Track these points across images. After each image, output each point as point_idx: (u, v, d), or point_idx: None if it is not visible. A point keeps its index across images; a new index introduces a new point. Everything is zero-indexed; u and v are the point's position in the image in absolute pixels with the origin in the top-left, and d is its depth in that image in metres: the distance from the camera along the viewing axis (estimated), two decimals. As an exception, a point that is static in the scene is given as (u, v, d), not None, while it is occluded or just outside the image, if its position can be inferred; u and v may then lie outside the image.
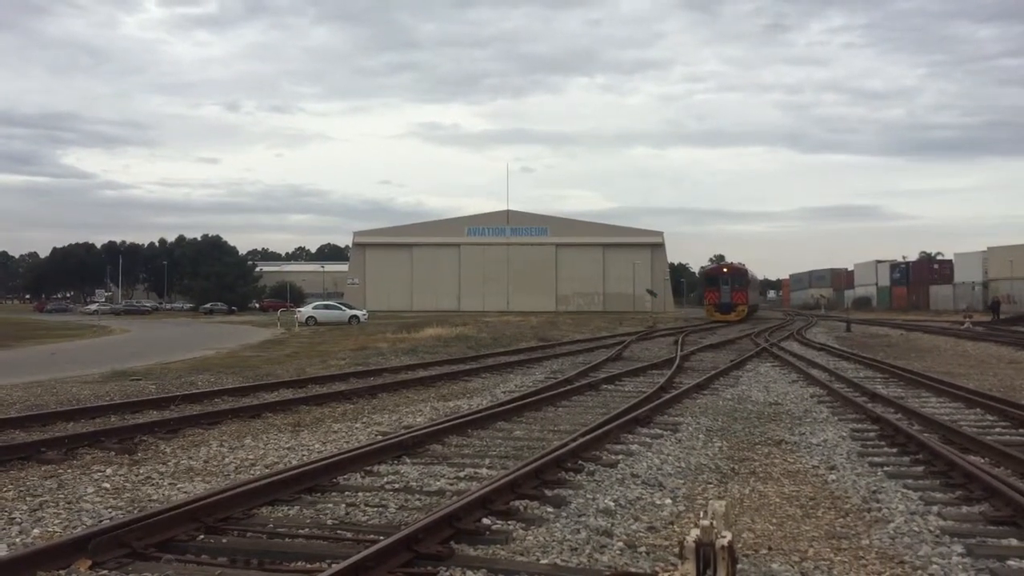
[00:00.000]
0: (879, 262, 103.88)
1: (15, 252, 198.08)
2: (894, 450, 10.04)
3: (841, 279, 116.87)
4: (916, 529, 6.71)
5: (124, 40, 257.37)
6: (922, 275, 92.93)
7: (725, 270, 62.97)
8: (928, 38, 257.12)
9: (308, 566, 5.74)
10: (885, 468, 9.04)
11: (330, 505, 7.42)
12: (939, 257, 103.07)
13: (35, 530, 6.68)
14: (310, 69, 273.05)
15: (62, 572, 5.55)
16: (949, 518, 7.04)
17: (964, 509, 7.33)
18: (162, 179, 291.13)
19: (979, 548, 6.19)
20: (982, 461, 9.06)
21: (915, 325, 48.56)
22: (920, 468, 8.96)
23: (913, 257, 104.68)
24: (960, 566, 5.87)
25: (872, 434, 11.20)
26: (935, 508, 7.32)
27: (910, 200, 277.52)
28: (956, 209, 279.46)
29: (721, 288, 59.99)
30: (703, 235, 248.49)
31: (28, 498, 7.70)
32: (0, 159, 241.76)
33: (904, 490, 8.00)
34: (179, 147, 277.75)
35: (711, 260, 68.91)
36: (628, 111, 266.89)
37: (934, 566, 5.86)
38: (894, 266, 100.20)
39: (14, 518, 7.01)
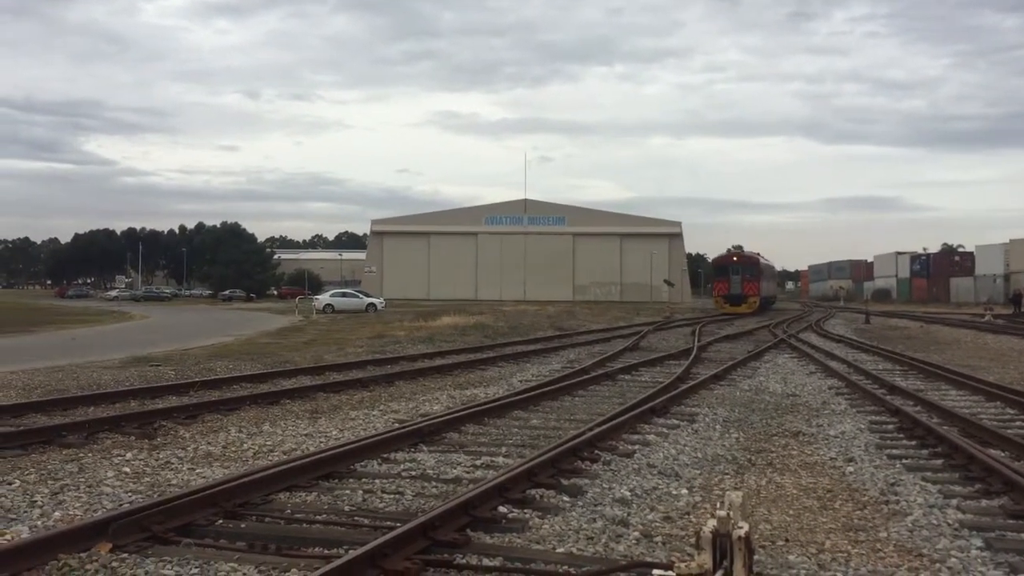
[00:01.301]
0: (899, 254, 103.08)
1: (37, 238, 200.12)
2: (913, 443, 9.98)
3: (861, 271, 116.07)
4: (935, 522, 6.67)
5: (145, 27, 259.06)
6: (942, 267, 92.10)
7: (735, 259, 58.94)
8: (952, 28, 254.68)
9: (326, 551, 5.77)
10: (904, 461, 8.99)
11: (347, 491, 7.46)
12: (960, 249, 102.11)
13: (56, 513, 6.75)
14: (329, 57, 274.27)
15: (83, 555, 5.60)
16: (968, 511, 6.99)
17: (983, 503, 7.27)
18: (182, 166, 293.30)
19: (998, 542, 6.15)
20: (1002, 455, 8.99)
21: (935, 317, 48.22)
22: (939, 461, 8.90)
23: (934, 249, 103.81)
24: (979, 560, 5.84)
25: (891, 427, 11.14)
26: (954, 501, 7.28)
27: (931, 191, 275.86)
28: (978, 201, 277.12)
29: (731, 278, 56.22)
30: (722, 226, 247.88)
31: (50, 481, 7.78)
32: (23, 146, 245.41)
33: (923, 483, 7.95)
34: (199, 134, 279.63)
35: (729, 251, 65.59)
36: (647, 101, 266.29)
37: (953, 559, 5.83)
38: (914, 258, 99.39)
39: (36, 501, 7.08)
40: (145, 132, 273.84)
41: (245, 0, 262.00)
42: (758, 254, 63.15)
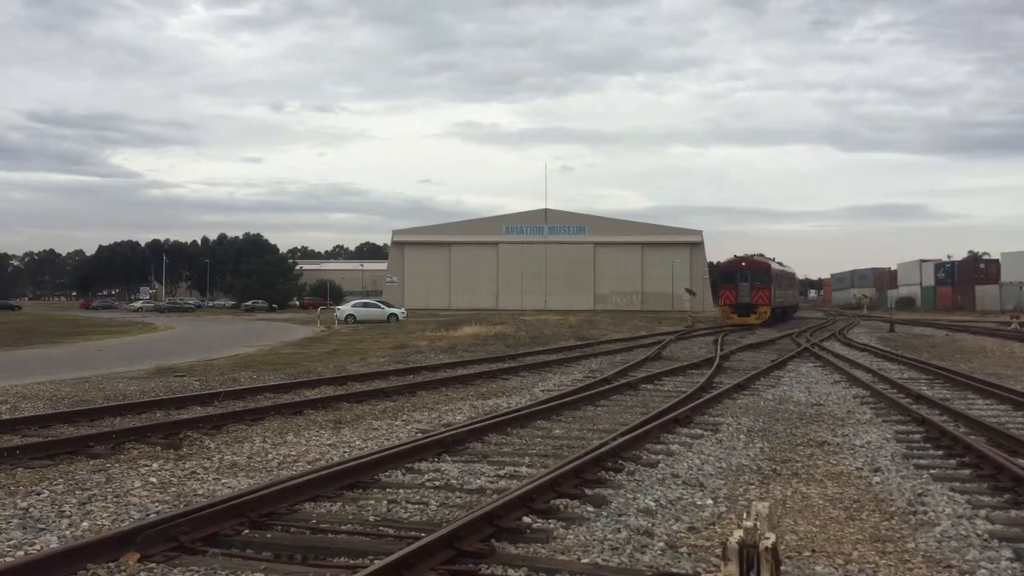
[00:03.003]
0: (923, 261, 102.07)
1: (62, 250, 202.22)
2: (940, 452, 9.89)
3: (884, 279, 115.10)
4: (963, 533, 6.60)
5: (170, 42, 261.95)
6: (967, 275, 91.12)
7: (743, 264, 52.24)
8: (979, 34, 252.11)
9: (351, 562, 5.80)
10: (931, 471, 8.90)
11: (372, 502, 7.48)
12: (985, 256, 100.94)
13: (84, 523, 6.82)
14: (351, 69, 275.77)
15: (112, 564, 5.65)
16: (998, 522, 6.92)
17: (1013, 513, 7.19)
18: (207, 178, 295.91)
19: (1029, 553, 6.08)
20: (1031, 464, 8.88)
21: (960, 326, 47.70)
22: (967, 471, 8.81)
23: (960, 257, 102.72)
24: (1009, 571, 5.77)
25: (917, 436, 11.03)
26: (983, 512, 7.20)
27: (956, 199, 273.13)
28: (1003, 208, 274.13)
29: (739, 286, 50.31)
30: (744, 234, 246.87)
31: (77, 491, 7.86)
32: (52, 159, 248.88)
33: (951, 493, 7.88)
34: (224, 146, 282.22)
35: (736, 256, 58.80)
36: (668, 110, 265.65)
37: (982, 571, 5.77)
38: (939, 266, 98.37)
39: (64, 511, 7.15)
40: (170, 144, 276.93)
41: (268, 13, 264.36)
42: (772, 259, 57.25)
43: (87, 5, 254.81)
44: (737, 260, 53.85)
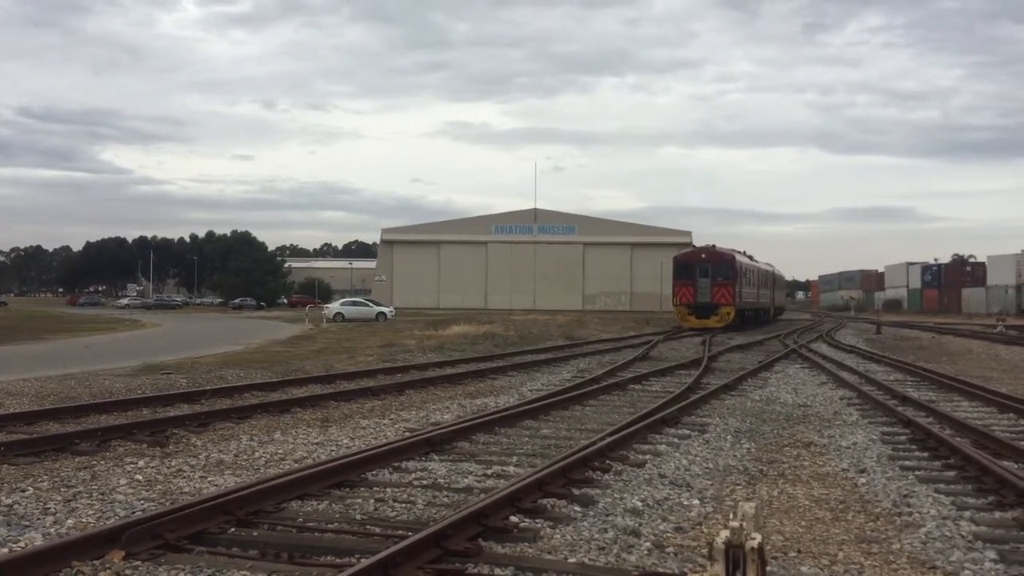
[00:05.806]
0: (910, 264, 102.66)
1: (49, 246, 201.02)
2: (925, 454, 9.94)
3: (871, 281, 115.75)
4: (948, 534, 6.64)
5: (162, 39, 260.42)
6: (954, 277, 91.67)
7: (703, 256, 44.76)
8: (970, 38, 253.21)
9: (338, 560, 5.79)
10: (916, 472, 8.95)
11: (359, 500, 7.47)
12: (972, 259, 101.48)
13: (69, 520, 6.78)
14: (343, 67, 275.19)
15: (96, 562, 5.62)
16: (982, 523, 6.96)
17: (997, 515, 7.23)
18: (197, 175, 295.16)
19: (1012, 554, 6.11)
20: (1015, 466, 8.94)
21: (946, 328, 47.97)
22: (952, 472, 8.86)
23: (946, 259, 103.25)
24: (993, 572, 5.81)
25: (903, 438, 11.09)
26: (967, 513, 7.24)
27: (943, 202, 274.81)
28: (990, 211, 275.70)
29: (698, 282, 43.23)
30: (733, 235, 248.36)
31: (63, 489, 7.81)
32: (41, 155, 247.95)
33: (936, 495, 7.92)
34: (215, 144, 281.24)
35: (695, 248, 51.13)
36: (659, 111, 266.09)
37: (966, 572, 5.80)
38: (925, 268, 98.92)
39: (49, 508, 7.12)
40: (161, 141, 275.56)
41: (260, 11, 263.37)
42: (741, 251, 50.44)
43: (79, 1, 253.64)
44: (696, 252, 46.77)
